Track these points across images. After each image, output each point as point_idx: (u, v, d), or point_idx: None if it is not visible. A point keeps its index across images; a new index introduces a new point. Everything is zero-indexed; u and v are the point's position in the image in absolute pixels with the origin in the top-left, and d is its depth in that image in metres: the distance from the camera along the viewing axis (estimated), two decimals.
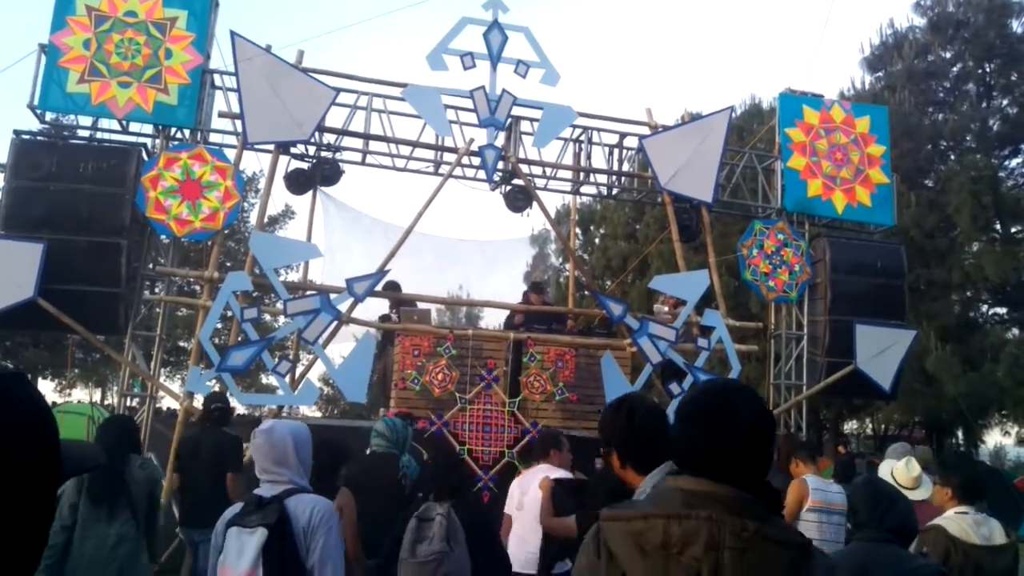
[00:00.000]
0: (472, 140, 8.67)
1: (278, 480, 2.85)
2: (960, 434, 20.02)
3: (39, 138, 7.99)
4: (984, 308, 19.01)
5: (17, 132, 7.70)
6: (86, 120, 8.21)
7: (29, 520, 0.89)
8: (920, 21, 19.51)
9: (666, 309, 10.03)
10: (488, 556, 3.89)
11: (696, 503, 1.52)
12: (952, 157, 18.39)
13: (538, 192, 9.35)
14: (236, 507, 2.89)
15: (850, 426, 25.01)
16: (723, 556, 1.46)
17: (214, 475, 5.86)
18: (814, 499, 5.07)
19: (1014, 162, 19.07)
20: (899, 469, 5.22)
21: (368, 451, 5.62)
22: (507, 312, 9.94)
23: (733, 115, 9.82)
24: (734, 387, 1.74)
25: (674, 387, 8.15)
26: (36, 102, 7.70)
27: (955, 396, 13.39)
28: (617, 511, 1.62)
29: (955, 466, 3.98)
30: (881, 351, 8.96)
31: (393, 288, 8.83)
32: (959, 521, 3.62)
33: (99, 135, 8.21)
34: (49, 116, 8.18)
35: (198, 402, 7.54)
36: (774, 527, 1.53)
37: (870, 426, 25.14)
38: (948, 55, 19.18)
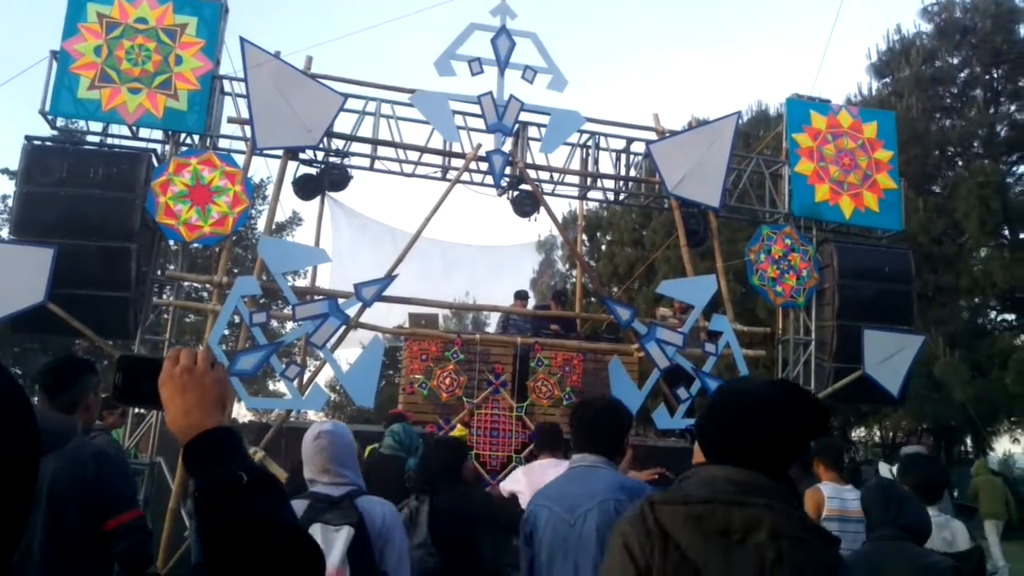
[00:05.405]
0: (480, 145, 8.70)
1: (340, 481, 2.80)
2: (969, 441, 19.94)
3: (50, 144, 8.02)
4: (992, 314, 18.95)
5: (29, 138, 7.73)
6: (96, 126, 8.23)
7: (7, 499, 0.88)
8: (927, 27, 19.53)
9: (670, 314, 10.04)
10: (464, 554, 3.71)
11: (750, 491, 1.55)
12: (960, 163, 18.40)
13: (545, 197, 9.37)
14: (299, 504, 2.68)
15: (858, 433, 24.90)
16: (783, 544, 1.49)
17: None
18: (830, 507, 4.93)
19: (1022, 168, 19.04)
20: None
21: (368, 449, 5.62)
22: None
23: (740, 121, 9.80)
24: (788, 384, 1.79)
25: (681, 392, 8.14)
26: (47, 108, 7.72)
27: (963, 402, 13.34)
28: (670, 495, 1.64)
29: (912, 467, 3.83)
30: (889, 356, 8.91)
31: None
32: None
33: (109, 141, 8.25)
34: (60, 122, 8.24)
35: None
36: (809, 519, 1.60)
37: (878, 433, 25.02)
38: (955, 61, 19.18)
